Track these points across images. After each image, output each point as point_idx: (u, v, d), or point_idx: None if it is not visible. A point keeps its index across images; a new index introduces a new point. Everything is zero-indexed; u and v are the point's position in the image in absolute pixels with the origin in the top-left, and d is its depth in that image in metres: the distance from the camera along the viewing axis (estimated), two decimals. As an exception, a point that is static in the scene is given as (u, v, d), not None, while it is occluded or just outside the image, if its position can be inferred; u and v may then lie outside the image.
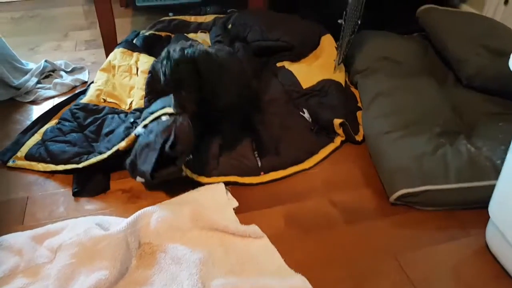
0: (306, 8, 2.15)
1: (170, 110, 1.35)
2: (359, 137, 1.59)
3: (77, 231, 1.20)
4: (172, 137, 1.25)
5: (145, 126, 1.37)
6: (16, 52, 1.93)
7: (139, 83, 1.70)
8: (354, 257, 1.16)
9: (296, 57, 1.90)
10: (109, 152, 1.41)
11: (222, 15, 2.25)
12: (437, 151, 1.36)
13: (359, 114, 1.68)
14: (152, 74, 1.70)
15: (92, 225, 1.23)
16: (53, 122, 1.64)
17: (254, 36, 1.92)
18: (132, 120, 1.56)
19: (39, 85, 1.89)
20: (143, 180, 1.30)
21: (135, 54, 1.86)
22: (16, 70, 1.86)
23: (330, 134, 1.59)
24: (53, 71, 1.99)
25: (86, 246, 1.16)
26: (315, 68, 1.81)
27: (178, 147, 1.26)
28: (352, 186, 1.39)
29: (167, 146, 1.25)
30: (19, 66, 1.89)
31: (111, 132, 1.54)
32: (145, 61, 1.79)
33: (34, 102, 1.81)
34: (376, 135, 1.48)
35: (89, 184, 1.42)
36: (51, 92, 1.86)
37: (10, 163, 1.48)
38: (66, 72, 1.99)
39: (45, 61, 1.96)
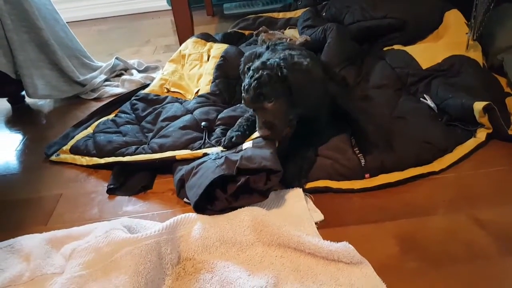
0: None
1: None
2: (512, 131, 1.07)
3: (99, 233, 0.87)
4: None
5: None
6: (95, 58, 1.79)
7: (208, 68, 1.39)
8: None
9: (409, 39, 1.44)
10: (161, 155, 1.13)
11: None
12: None
13: (508, 101, 1.15)
14: (225, 57, 1.39)
15: (118, 226, 0.89)
16: (110, 116, 1.40)
17: (353, 17, 1.51)
18: (193, 104, 1.26)
19: (107, 83, 1.70)
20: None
21: (208, 43, 1.57)
22: (83, 66, 1.70)
23: (467, 126, 1.11)
24: (125, 70, 1.79)
25: (102, 253, 0.83)
26: (439, 46, 1.34)
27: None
28: (509, 200, 0.96)
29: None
30: (88, 62, 1.73)
31: (170, 118, 1.24)
32: (218, 47, 1.48)
33: (98, 99, 1.61)
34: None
35: (128, 181, 1.12)
36: (118, 89, 1.64)
37: (53, 157, 1.26)
38: (138, 71, 1.78)
39: (116, 58, 1.77)
